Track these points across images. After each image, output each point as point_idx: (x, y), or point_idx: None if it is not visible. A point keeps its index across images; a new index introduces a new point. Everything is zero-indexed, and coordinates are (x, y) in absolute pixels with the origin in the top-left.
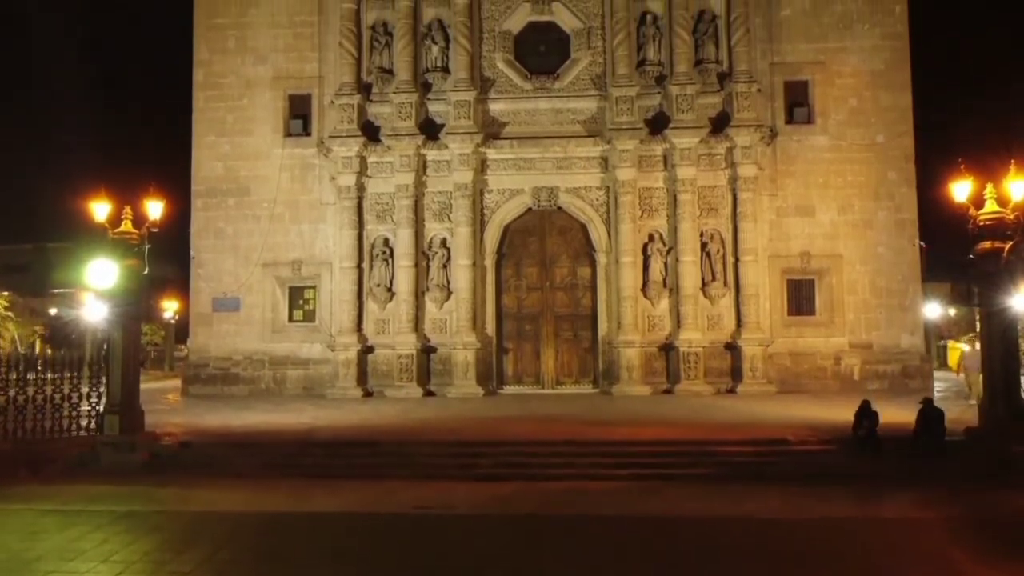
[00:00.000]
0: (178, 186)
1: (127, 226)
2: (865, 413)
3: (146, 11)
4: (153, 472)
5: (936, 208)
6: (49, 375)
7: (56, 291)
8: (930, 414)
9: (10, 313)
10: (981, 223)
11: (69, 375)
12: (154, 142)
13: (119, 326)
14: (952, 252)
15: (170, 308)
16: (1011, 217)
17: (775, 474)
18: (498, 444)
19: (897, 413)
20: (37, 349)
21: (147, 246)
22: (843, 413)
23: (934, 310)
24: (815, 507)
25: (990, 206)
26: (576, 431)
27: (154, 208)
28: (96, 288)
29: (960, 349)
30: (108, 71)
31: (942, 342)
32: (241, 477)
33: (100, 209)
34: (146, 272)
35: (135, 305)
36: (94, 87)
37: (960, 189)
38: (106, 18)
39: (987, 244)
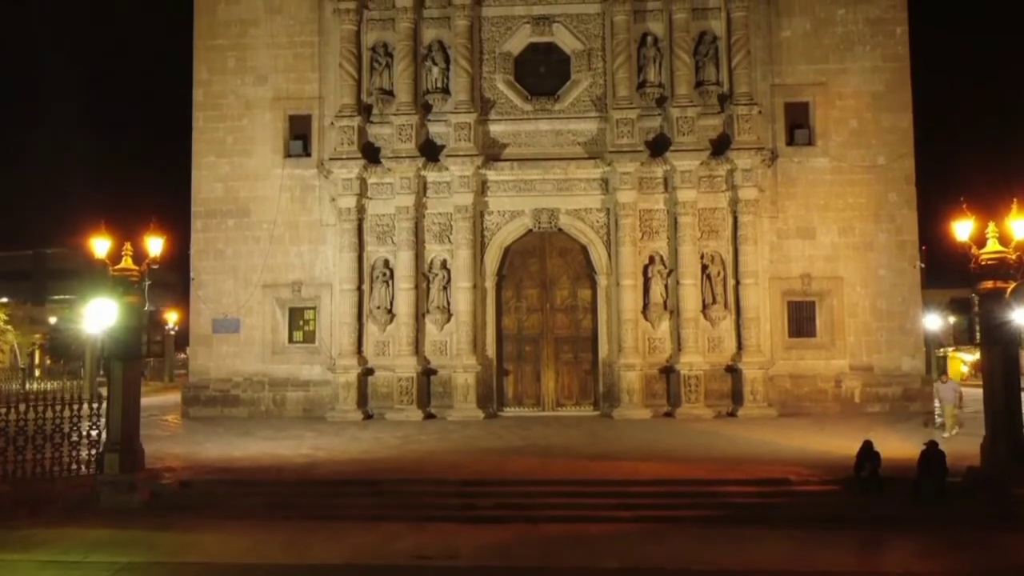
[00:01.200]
0: (179, 185)
1: (127, 262)
2: (867, 455)
3: (147, 28)
4: (153, 513)
5: (937, 211)
6: (48, 413)
7: (56, 298)
8: (932, 457)
9: (9, 326)
10: (983, 262)
11: (69, 414)
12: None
13: (119, 364)
14: (953, 260)
15: (170, 319)
16: (1013, 257)
17: (778, 517)
18: (499, 483)
19: (899, 446)
20: (37, 358)
21: (147, 282)
22: (844, 443)
23: (934, 321)
24: (818, 557)
25: (992, 245)
26: (576, 467)
27: (154, 244)
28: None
29: (960, 360)
30: (109, 86)
31: (941, 350)
32: (242, 519)
33: (100, 245)
34: (146, 307)
35: (135, 342)
36: (95, 103)
37: (962, 228)
38: (107, 34)
39: (989, 284)
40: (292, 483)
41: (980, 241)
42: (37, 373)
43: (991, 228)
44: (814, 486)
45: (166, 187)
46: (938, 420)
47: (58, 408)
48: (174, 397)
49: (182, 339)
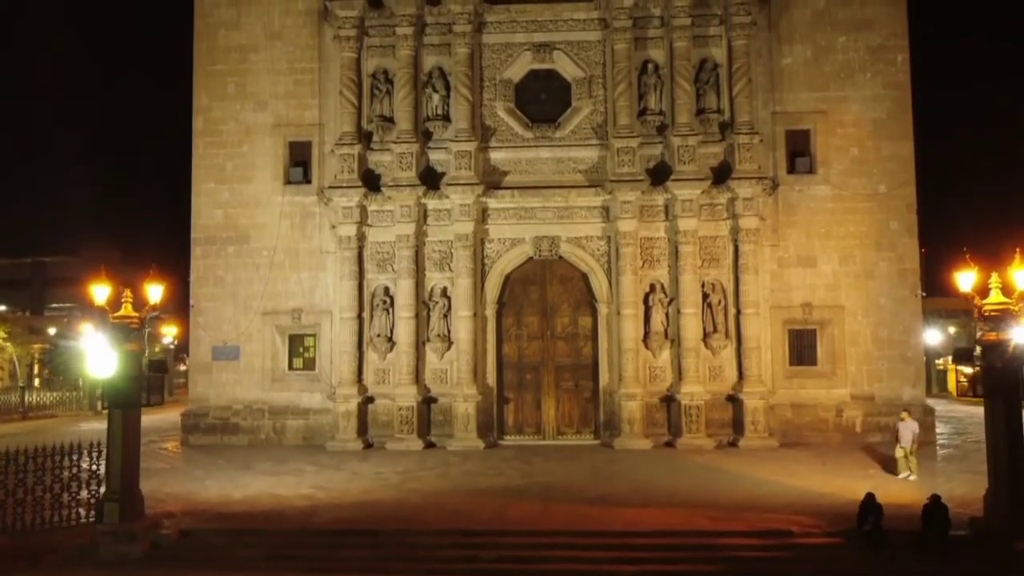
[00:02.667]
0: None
1: (127, 309)
2: (870, 508)
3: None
4: (153, 563)
5: (938, 214)
6: (48, 463)
7: (55, 307)
8: (935, 512)
9: (8, 344)
10: (987, 312)
11: (68, 463)
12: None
13: (118, 412)
14: (954, 265)
15: (169, 333)
16: (1016, 308)
17: (780, 572)
18: (500, 533)
19: (900, 491)
20: (36, 368)
21: (148, 329)
22: (847, 484)
23: (933, 336)
24: None
25: (995, 296)
26: (577, 514)
27: (154, 292)
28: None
29: (961, 373)
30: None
31: (940, 360)
32: (241, 570)
33: (100, 292)
34: (146, 355)
35: (135, 391)
36: (96, 128)
37: (965, 279)
38: (109, 57)
39: (992, 335)
40: (292, 532)
41: (984, 291)
42: (36, 383)
43: (994, 278)
44: (817, 538)
45: (166, 197)
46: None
47: (57, 458)
48: (174, 415)
49: (182, 349)
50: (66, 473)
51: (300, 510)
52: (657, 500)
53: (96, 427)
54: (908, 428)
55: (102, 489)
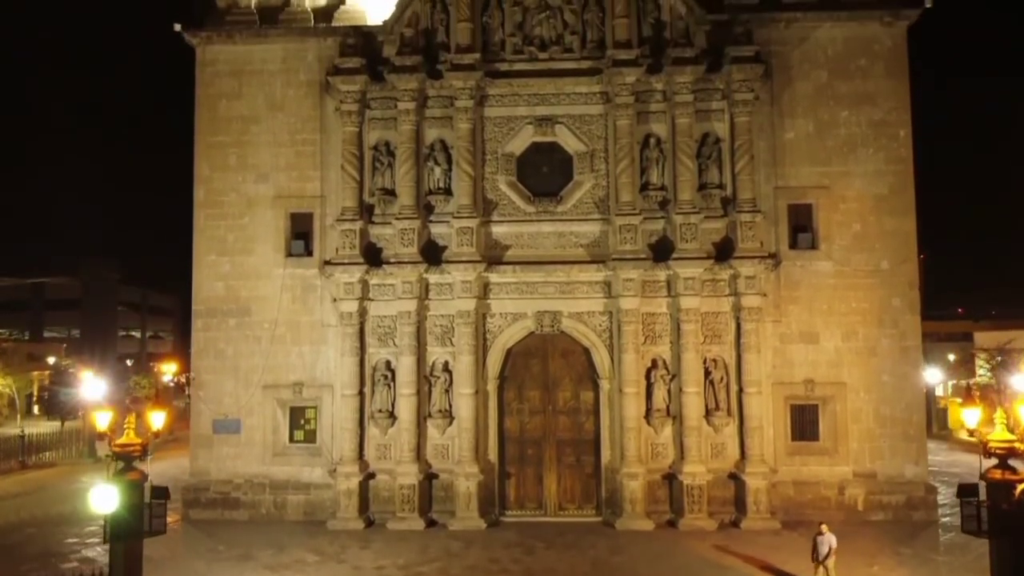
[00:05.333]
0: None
1: (129, 436)
2: None
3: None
4: None
5: (938, 216)
6: None
7: (54, 333)
8: None
9: (6, 380)
10: (992, 449)
11: None
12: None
13: (120, 545)
14: (955, 269)
15: (168, 371)
16: (1022, 447)
17: None
18: None
19: None
20: (35, 393)
21: (150, 456)
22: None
23: (934, 375)
24: None
25: (1001, 433)
26: None
27: (156, 418)
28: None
29: (959, 406)
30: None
31: (938, 383)
32: None
33: (102, 418)
34: (148, 480)
35: (136, 521)
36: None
37: (970, 415)
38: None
39: (998, 473)
40: None
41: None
42: (36, 410)
43: (999, 414)
44: None
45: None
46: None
47: None
48: (176, 461)
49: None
50: None
51: None
52: None
53: (97, 480)
54: (825, 542)
55: None
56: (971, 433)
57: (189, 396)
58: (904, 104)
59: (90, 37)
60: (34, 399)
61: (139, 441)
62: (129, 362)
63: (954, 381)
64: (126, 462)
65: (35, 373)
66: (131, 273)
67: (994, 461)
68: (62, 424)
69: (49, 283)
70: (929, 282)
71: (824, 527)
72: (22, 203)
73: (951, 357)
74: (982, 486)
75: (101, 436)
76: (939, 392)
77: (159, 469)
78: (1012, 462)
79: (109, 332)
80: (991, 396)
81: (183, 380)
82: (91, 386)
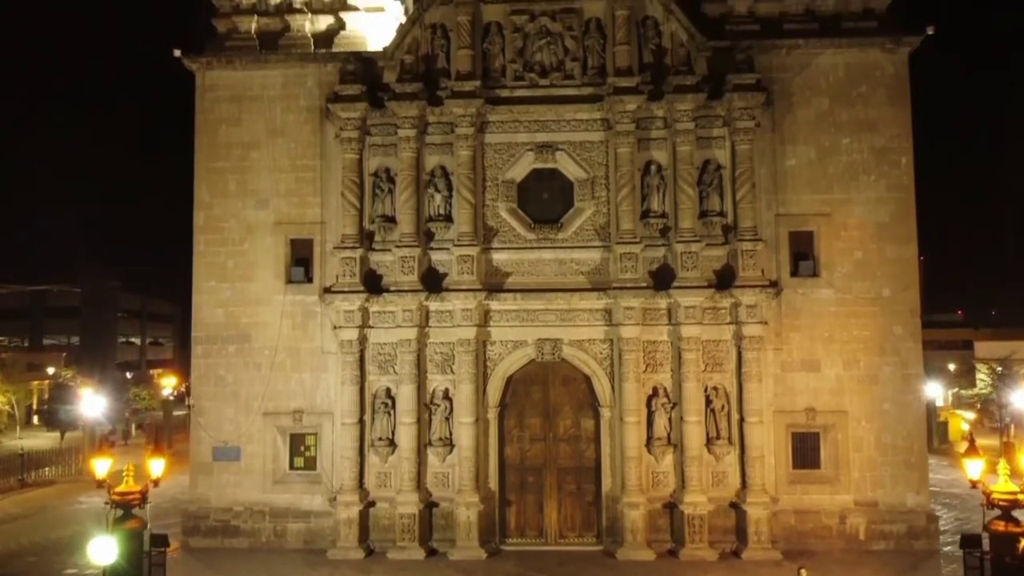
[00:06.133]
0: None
1: (128, 484)
2: None
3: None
4: None
5: (940, 219)
6: None
7: (53, 340)
8: None
9: (5, 392)
10: (995, 500)
11: None
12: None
13: None
14: (956, 270)
15: (168, 385)
16: None
17: None
18: None
19: None
20: (35, 403)
21: (149, 503)
22: None
23: (934, 390)
24: None
25: (1004, 484)
26: None
27: (156, 466)
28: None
29: (961, 418)
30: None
31: (937, 395)
32: None
33: (101, 466)
34: (148, 528)
35: (136, 570)
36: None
37: (973, 467)
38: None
39: (1001, 525)
40: None
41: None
42: (36, 420)
43: (1002, 465)
44: None
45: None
46: None
47: None
48: (176, 478)
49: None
50: None
51: None
52: None
53: (96, 502)
54: None
55: None
56: (974, 484)
57: (189, 406)
58: (906, 131)
59: (92, 49)
60: (33, 409)
61: (138, 488)
62: (129, 374)
63: (955, 390)
64: (125, 510)
65: (35, 383)
66: (131, 280)
67: (997, 512)
68: (61, 437)
69: (49, 291)
70: (929, 284)
71: (804, 572)
72: (22, 211)
73: (951, 367)
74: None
75: (100, 484)
76: (939, 402)
77: (158, 488)
78: (1016, 513)
79: (109, 340)
80: (992, 409)
81: (184, 389)
82: (90, 403)
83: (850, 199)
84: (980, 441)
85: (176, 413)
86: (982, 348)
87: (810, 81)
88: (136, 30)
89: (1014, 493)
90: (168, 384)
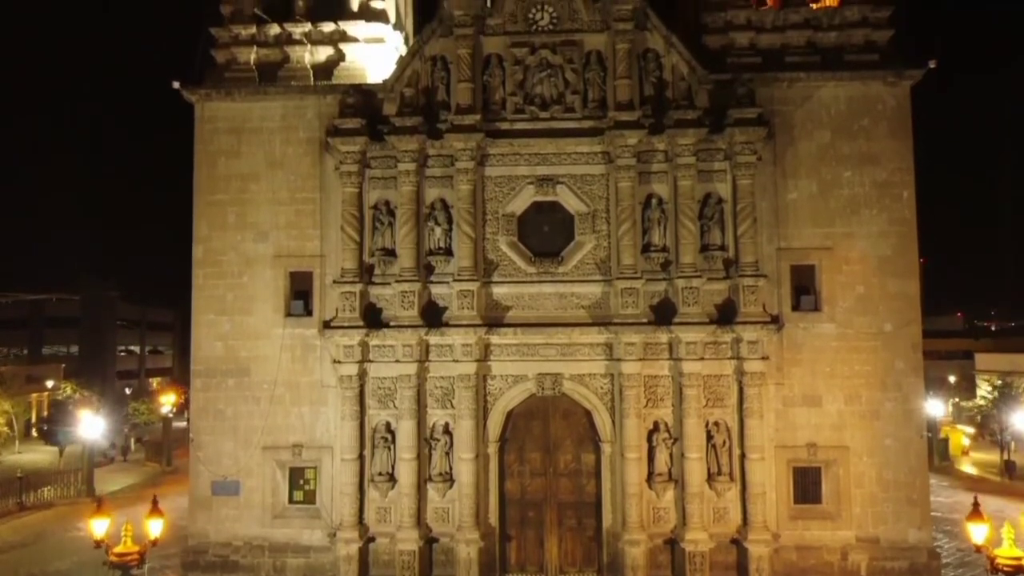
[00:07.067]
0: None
1: (127, 544)
2: None
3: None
4: None
5: (939, 219)
6: None
7: (53, 350)
8: None
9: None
10: (1000, 566)
11: None
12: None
13: None
14: (957, 273)
15: (167, 402)
16: None
17: None
18: None
19: None
20: (34, 416)
21: (147, 565)
22: None
23: (935, 407)
24: None
25: (1009, 549)
26: None
27: (154, 526)
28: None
29: (961, 433)
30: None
31: (938, 411)
32: None
33: (99, 526)
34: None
35: None
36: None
37: (977, 531)
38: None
39: None
40: None
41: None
42: (34, 432)
43: (1007, 528)
44: None
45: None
46: None
47: None
48: (175, 500)
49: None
50: None
51: None
52: None
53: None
54: None
55: None
56: (978, 549)
57: (191, 437)
58: (908, 164)
59: (93, 71)
60: (32, 423)
61: (136, 549)
62: (128, 390)
63: (955, 399)
64: (123, 571)
65: (33, 395)
66: (130, 290)
67: None
68: (60, 453)
69: (48, 300)
70: (928, 285)
71: None
72: (22, 221)
73: (951, 378)
74: None
75: (98, 544)
76: (939, 414)
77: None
78: None
79: (108, 349)
80: (992, 426)
81: (184, 400)
82: (89, 424)
83: (852, 233)
84: (979, 456)
85: (177, 424)
86: (983, 360)
87: (812, 114)
88: (138, 58)
89: (1019, 558)
90: (168, 401)
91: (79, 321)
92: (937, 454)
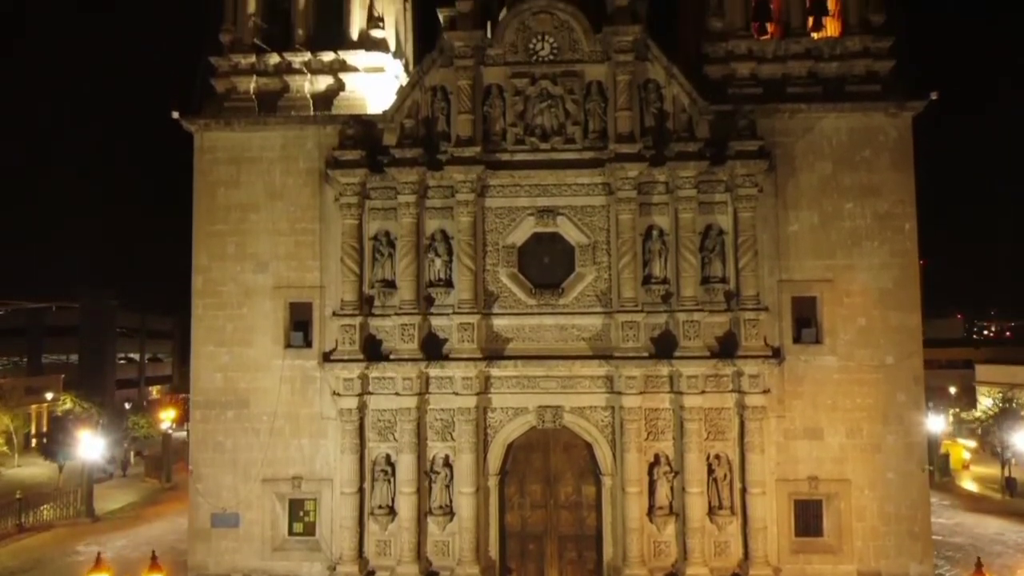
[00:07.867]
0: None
1: None
2: None
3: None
4: None
5: (940, 220)
6: None
7: (52, 358)
8: None
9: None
10: None
11: None
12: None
13: None
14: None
15: (167, 418)
16: None
17: None
18: None
19: None
20: (33, 428)
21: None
22: None
23: (936, 423)
24: None
25: None
26: None
27: None
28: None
29: (962, 447)
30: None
31: (938, 426)
32: None
33: None
34: None
35: None
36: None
37: None
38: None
39: None
40: None
41: None
42: (33, 443)
43: None
44: None
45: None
46: None
47: None
48: (174, 520)
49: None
50: None
51: None
52: None
53: (95, 550)
54: None
55: None
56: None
57: (188, 430)
58: (909, 196)
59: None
60: (32, 435)
61: None
62: (128, 404)
63: (955, 410)
64: None
65: (33, 407)
66: (129, 299)
67: None
68: (60, 470)
69: (48, 309)
70: (928, 286)
71: None
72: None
73: (952, 389)
74: None
75: None
76: (939, 427)
77: (156, 533)
78: None
79: (108, 357)
80: (992, 440)
81: (184, 411)
82: (89, 444)
83: (853, 265)
84: (980, 470)
85: (177, 434)
86: (983, 371)
87: (813, 145)
88: (138, 86)
89: None
90: (167, 416)
91: (78, 329)
92: (937, 470)
